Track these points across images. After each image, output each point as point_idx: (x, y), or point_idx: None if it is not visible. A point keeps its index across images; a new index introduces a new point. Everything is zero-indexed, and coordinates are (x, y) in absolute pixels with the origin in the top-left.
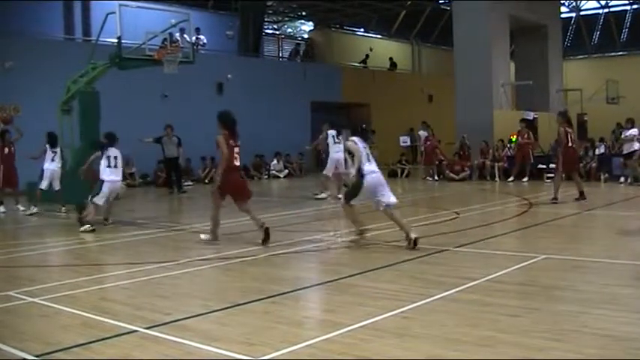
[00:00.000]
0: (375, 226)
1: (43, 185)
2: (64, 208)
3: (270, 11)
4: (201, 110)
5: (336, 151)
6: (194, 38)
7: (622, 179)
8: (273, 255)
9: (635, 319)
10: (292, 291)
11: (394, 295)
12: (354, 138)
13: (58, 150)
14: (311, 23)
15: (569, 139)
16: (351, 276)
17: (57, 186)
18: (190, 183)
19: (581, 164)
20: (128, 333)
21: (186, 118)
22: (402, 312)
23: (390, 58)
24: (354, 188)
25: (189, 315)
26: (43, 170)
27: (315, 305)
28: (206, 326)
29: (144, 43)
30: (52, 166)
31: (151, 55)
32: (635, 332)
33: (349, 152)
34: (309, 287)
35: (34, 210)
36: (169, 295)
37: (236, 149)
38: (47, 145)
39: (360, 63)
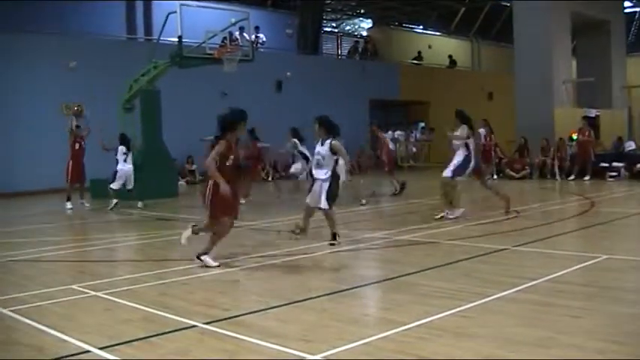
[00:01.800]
0: (433, 224)
1: (116, 185)
2: (140, 203)
3: (329, 9)
4: (261, 108)
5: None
6: (253, 37)
7: None
8: (332, 253)
9: None
10: (350, 289)
11: (452, 294)
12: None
13: (130, 151)
14: (370, 21)
15: None
16: (408, 274)
17: (130, 185)
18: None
19: None
20: (187, 328)
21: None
22: (459, 311)
23: (450, 56)
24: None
25: (248, 311)
26: (116, 171)
27: (373, 303)
28: (264, 323)
29: (204, 42)
30: (125, 167)
31: (210, 54)
32: None
33: (334, 152)
34: (367, 285)
35: (114, 203)
36: (228, 292)
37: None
38: (121, 147)
39: (414, 60)
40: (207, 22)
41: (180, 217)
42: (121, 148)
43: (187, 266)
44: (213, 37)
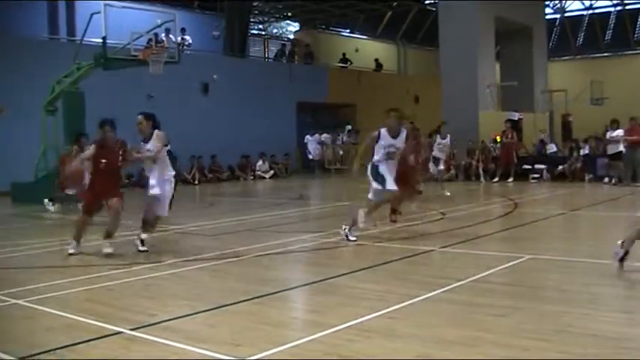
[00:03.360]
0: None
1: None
2: (52, 206)
3: (256, 12)
4: (188, 111)
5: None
6: (179, 38)
7: (606, 180)
8: (259, 256)
9: (618, 319)
10: (278, 292)
11: (380, 295)
12: None
13: None
14: (297, 24)
15: None
16: (336, 276)
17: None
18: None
19: (565, 165)
20: (113, 334)
21: (172, 119)
22: (388, 312)
23: (376, 59)
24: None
25: (175, 316)
26: None
27: (301, 306)
28: (192, 327)
29: (129, 44)
30: None
31: (136, 56)
32: (618, 331)
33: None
34: (295, 288)
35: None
36: (154, 297)
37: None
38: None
39: (340, 63)
40: (132, 23)
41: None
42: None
43: (113, 271)
44: (138, 38)
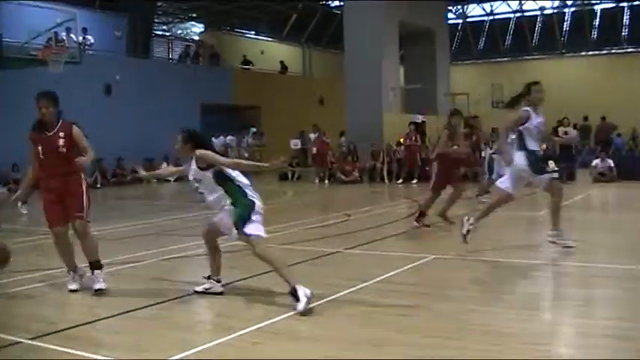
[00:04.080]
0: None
1: None
2: None
3: (160, 12)
4: (89, 112)
5: None
6: (81, 38)
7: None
8: (163, 260)
9: (516, 315)
10: (182, 296)
11: (285, 297)
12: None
13: None
14: (201, 25)
15: None
16: (242, 279)
17: None
18: None
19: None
20: (11, 345)
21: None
22: (294, 314)
23: (281, 61)
24: None
25: (76, 324)
26: None
27: (207, 310)
28: (94, 334)
29: (27, 42)
30: None
31: (35, 55)
32: (517, 327)
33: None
34: (201, 294)
35: None
36: (54, 304)
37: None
38: None
39: (242, 64)
40: (31, 21)
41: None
42: None
43: (8, 279)
44: (36, 37)
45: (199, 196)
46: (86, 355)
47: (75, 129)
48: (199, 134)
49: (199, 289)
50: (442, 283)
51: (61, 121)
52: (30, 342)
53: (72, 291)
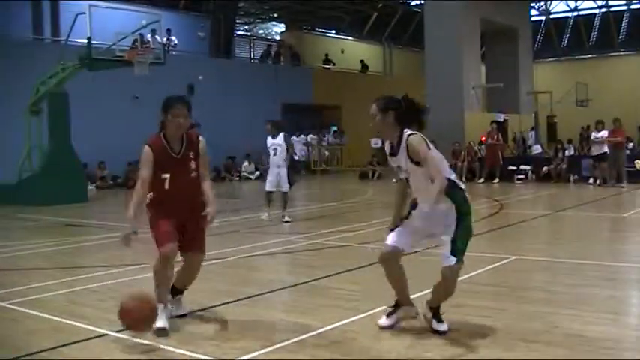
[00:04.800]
0: (345, 228)
1: None
2: None
3: (242, 12)
4: None
5: None
6: (165, 39)
7: (591, 181)
8: (246, 257)
9: (602, 319)
10: (266, 292)
11: (365, 296)
12: None
13: None
14: (282, 25)
15: None
16: (322, 277)
17: None
18: None
19: (551, 165)
20: (98, 337)
21: (157, 120)
22: (373, 313)
23: (362, 61)
24: None
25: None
26: None
27: (289, 307)
28: (178, 329)
29: (114, 44)
30: None
31: (121, 56)
32: (602, 331)
33: None
34: (282, 289)
35: None
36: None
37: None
38: None
39: (323, 64)
40: (117, 23)
41: (91, 222)
42: None
43: (97, 273)
44: (123, 39)
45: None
46: (167, 348)
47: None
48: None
49: (384, 323)
50: (524, 284)
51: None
52: (115, 334)
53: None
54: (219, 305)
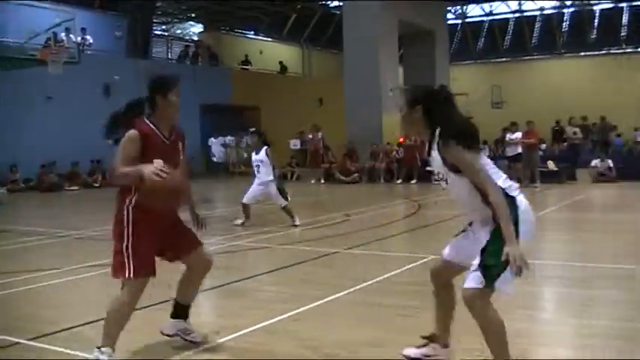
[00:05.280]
0: (266, 229)
1: None
2: None
3: (159, 12)
4: (88, 112)
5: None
6: (80, 38)
7: None
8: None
9: (519, 315)
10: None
11: (287, 298)
12: None
13: None
14: (201, 25)
15: None
16: (242, 280)
17: None
18: (76, 187)
19: None
20: (10, 345)
21: (72, 120)
22: (295, 314)
23: (280, 62)
24: None
25: (75, 324)
26: None
27: (207, 310)
28: (92, 335)
29: (26, 42)
30: None
31: (34, 55)
32: (520, 328)
33: None
34: (200, 292)
35: None
36: (53, 305)
37: None
38: None
39: (241, 64)
40: (30, 21)
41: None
42: None
43: (8, 279)
44: (35, 37)
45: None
46: (84, 355)
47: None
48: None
49: (410, 353)
50: None
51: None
52: (28, 342)
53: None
54: (137, 310)
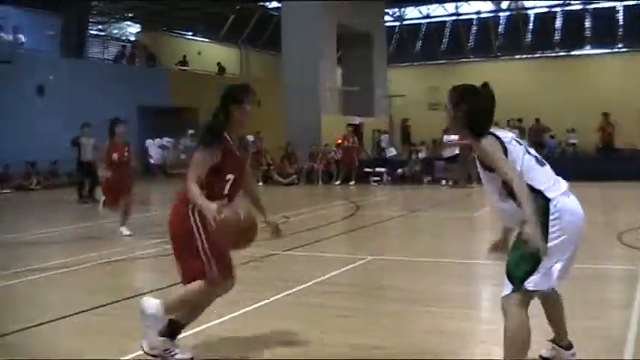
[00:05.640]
0: None
1: None
2: None
3: (95, 11)
4: (20, 113)
5: None
6: (12, 37)
7: (444, 182)
8: (102, 264)
9: (458, 315)
10: (118, 301)
11: (224, 301)
12: None
13: None
14: (138, 25)
15: None
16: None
17: None
18: (8, 191)
19: (405, 167)
20: None
21: (5, 121)
22: (233, 317)
23: (218, 63)
24: None
25: (7, 332)
26: None
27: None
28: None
29: None
30: None
31: None
32: (459, 327)
33: None
34: (138, 295)
35: None
36: None
37: None
38: None
39: (179, 65)
40: None
41: None
42: None
43: None
44: None
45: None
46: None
47: None
48: None
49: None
50: (381, 283)
51: None
52: None
53: None
54: (75, 314)
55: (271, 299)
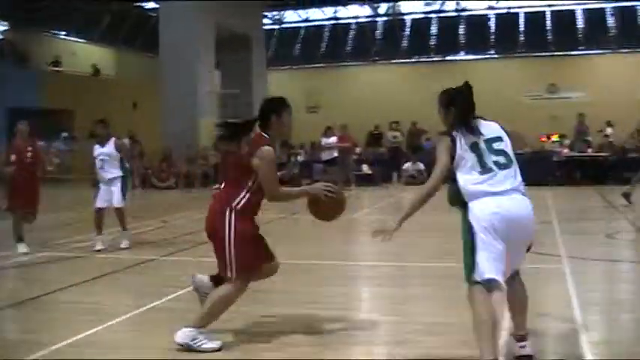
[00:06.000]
0: (79, 237)
1: None
2: None
3: None
4: None
5: None
6: None
7: None
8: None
9: (335, 316)
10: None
11: (101, 308)
12: None
13: None
14: (6, 23)
15: None
16: (54, 291)
17: None
18: None
19: (284, 170)
20: None
21: None
22: (110, 325)
23: (94, 64)
24: None
25: None
26: None
27: (15, 326)
28: None
29: None
30: None
31: None
32: (336, 327)
33: None
34: (7, 307)
35: None
36: None
37: None
38: None
39: (52, 66)
40: None
41: None
42: None
43: None
44: None
45: None
46: None
47: None
48: None
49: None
50: (259, 287)
51: None
52: None
53: None
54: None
55: (150, 306)
